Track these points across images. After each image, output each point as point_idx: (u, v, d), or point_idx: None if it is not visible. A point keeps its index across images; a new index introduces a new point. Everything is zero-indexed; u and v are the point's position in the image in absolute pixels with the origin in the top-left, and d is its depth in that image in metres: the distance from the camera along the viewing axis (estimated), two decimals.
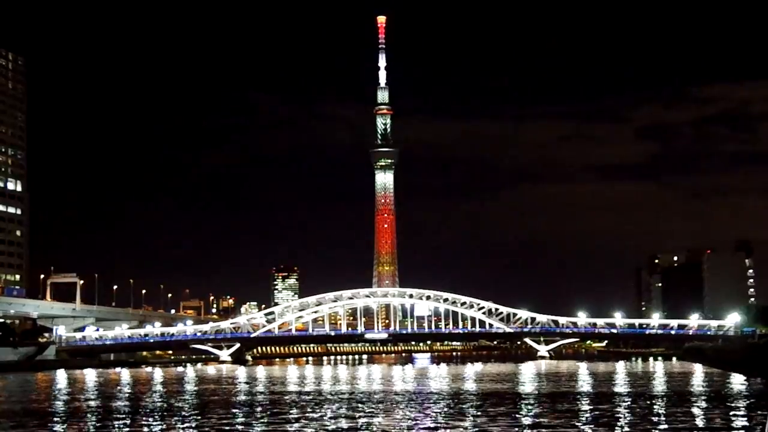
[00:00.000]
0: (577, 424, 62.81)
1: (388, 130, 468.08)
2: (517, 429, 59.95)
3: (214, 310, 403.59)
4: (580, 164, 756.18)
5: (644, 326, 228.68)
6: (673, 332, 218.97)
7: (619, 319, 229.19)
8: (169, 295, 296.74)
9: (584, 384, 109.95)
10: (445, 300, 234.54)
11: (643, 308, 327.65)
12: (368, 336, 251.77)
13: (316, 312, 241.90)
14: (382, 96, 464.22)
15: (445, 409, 74.45)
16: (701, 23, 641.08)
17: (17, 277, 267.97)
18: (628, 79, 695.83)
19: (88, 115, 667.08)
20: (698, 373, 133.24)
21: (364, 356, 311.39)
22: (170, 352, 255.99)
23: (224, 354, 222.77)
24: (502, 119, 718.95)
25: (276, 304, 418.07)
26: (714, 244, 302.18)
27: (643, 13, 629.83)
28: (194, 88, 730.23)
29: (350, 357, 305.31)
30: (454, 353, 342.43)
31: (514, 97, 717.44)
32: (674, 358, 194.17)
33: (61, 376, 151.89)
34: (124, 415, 73.55)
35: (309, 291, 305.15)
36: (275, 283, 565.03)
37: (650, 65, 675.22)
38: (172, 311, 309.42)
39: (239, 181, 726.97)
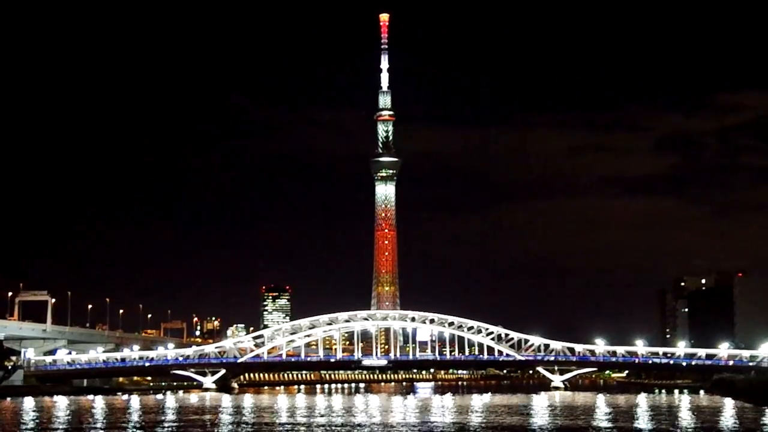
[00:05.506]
0: None
1: (390, 137, 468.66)
2: None
3: (197, 333, 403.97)
4: (596, 177, 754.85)
5: (669, 355, 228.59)
6: (700, 362, 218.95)
7: (641, 347, 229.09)
8: (149, 315, 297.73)
9: (602, 419, 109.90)
10: (450, 324, 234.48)
11: (668, 336, 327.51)
12: (366, 363, 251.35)
13: (309, 336, 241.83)
14: (384, 101, 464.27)
15: None
16: (726, 25, 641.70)
17: None
18: (647, 85, 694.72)
19: (60, 120, 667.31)
20: (728, 408, 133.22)
21: (361, 385, 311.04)
22: (149, 378, 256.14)
23: (208, 381, 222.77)
24: (511, 128, 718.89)
25: (265, 326, 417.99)
26: (746, 266, 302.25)
27: (663, 13, 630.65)
28: (173, 90, 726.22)
29: (346, 386, 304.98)
30: (460, 383, 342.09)
31: (524, 103, 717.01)
32: (702, 391, 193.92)
33: (29, 404, 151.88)
34: None
35: (302, 313, 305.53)
36: (265, 303, 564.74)
37: (671, 70, 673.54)
38: (152, 333, 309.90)
39: (225, 192, 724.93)
